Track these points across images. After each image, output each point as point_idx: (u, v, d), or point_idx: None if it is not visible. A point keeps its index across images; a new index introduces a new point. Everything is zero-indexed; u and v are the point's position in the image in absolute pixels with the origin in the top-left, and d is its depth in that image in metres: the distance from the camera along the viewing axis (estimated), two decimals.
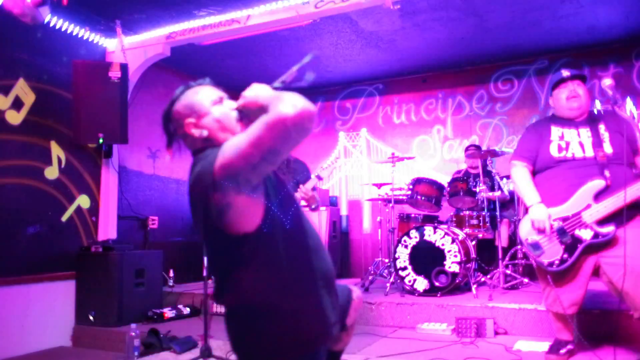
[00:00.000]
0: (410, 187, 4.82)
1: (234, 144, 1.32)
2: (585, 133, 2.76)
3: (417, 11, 4.52)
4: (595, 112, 2.88)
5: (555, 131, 2.82)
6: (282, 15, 4.22)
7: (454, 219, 4.68)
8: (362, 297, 1.90)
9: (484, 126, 5.99)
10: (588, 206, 2.62)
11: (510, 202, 4.98)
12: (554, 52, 5.60)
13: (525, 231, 2.78)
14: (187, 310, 4.49)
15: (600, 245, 2.60)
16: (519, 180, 2.86)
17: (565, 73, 2.85)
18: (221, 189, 1.31)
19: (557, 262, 2.66)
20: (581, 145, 2.73)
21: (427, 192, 4.75)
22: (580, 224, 2.62)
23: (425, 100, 6.32)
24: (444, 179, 5.18)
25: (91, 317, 4.19)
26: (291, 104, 1.26)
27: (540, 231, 2.70)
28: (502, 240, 4.70)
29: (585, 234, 2.61)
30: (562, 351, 2.81)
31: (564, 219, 2.67)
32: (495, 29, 4.97)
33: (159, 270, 4.67)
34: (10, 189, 3.92)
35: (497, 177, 4.62)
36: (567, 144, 2.76)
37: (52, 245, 4.21)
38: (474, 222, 4.55)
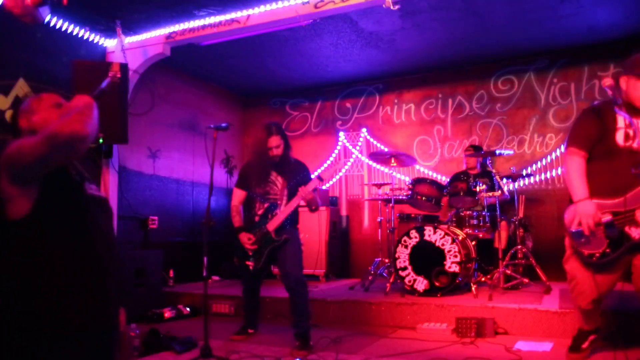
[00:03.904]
0: (410, 187, 4.82)
1: (21, 142, 1.43)
2: None
3: (417, 11, 4.52)
4: None
5: (622, 119, 2.59)
6: (282, 15, 4.22)
7: (454, 219, 4.68)
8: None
9: (484, 126, 5.99)
10: None
11: (510, 202, 4.98)
12: (554, 52, 5.60)
13: (570, 219, 2.65)
14: (187, 310, 4.48)
15: None
16: (573, 170, 2.65)
17: None
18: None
19: (597, 254, 2.55)
20: None
21: (427, 192, 4.74)
22: (632, 221, 2.47)
23: (425, 100, 6.32)
24: (444, 179, 5.18)
25: None
26: (68, 123, 1.36)
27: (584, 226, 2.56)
28: (502, 241, 4.70)
29: (635, 233, 2.46)
30: (584, 345, 2.77)
31: (615, 213, 2.51)
32: (495, 29, 4.97)
33: (159, 270, 4.67)
34: None
35: (497, 177, 4.62)
36: (635, 133, 2.53)
37: None
38: (474, 222, 4.55)
